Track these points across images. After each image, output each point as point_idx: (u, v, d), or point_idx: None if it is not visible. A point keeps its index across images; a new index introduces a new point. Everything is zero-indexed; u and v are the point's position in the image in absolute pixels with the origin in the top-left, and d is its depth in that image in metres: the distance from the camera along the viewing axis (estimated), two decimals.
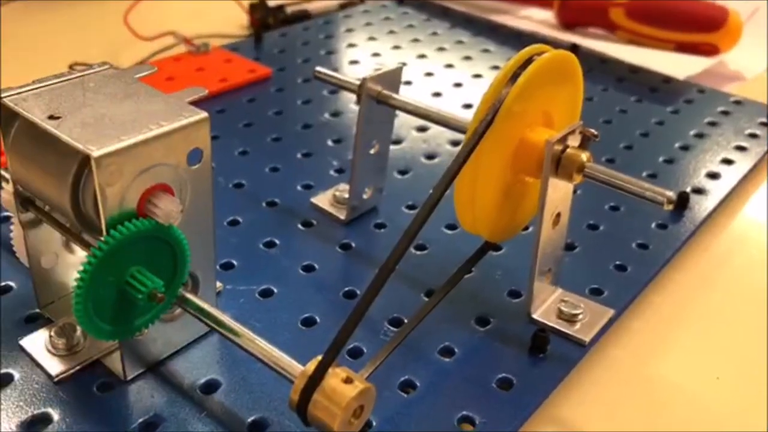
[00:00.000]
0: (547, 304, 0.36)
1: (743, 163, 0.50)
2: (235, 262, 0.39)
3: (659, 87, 0.61)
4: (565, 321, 0.35)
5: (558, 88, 0.34)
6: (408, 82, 0.60)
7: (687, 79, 0.61)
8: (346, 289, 0.37)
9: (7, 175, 0.31)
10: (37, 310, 0.34)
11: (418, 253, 0.40)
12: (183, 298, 0.30)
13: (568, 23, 0.70)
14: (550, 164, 0.32)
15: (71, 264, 0.34)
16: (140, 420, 0.30)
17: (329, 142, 0.51)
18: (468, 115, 0.35)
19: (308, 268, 0.39)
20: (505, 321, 0.36)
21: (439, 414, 0.31)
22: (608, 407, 0.33)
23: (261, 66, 0.60)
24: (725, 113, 0.57)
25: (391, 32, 0.70)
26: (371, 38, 0.69)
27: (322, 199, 0.44)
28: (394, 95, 0.39)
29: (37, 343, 0.33)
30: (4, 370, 0.32)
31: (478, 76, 0.62)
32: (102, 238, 0.27)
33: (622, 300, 0.37)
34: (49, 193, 0.29)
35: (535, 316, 0.36)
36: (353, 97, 0.40)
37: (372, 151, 0.41)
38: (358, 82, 0.39)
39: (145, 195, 0.28)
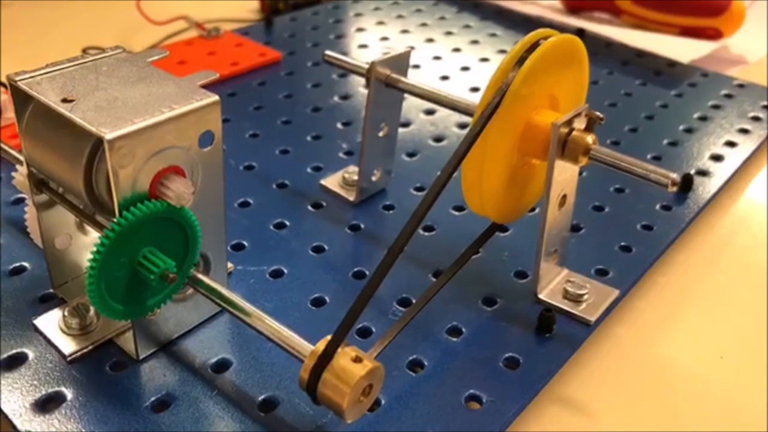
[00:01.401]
0: (554, 284, 0.36)
1: (746, 146, 0.50)
2: (245, 243, 0.39)
3: (664, 71, 0.60)
4: (571, 301, 0.35)
5: (564, 72, 0.34)
6: (416, 66, 0.60)
7: (691, 63, 0.61)
8: (355, 269, 0.37)
9: (21, 158, 0.31)
10: (51, 291, 0.34)
11: (426, 234, 0.40)
12: (194, 279, 0.30)
13: (574, 8, 0.70)
14: (556, 147, 0.32)
15: (84, 245, 0.34)
16: (152, 398, 0.30)
17: (339, 125, 0.51)
18: (475, 99, 0.34)
19: (318, 249, 0.39)
20: (511, 301, 0.36)
21: (446, 392, 0.31)
22: (613, 386, 0.33)
23: (271, 50, 0.60)
24: (728, 96, 0.56)
25: (400, 17, 0.69)
26: (380, 23, 0.68)
27: (332, 181, 0.44)
28: (403, 79, 0.39)
29: (50, 322, 0.32)
30: (18, 350, 0.31)
31: (485, 59, 0.61)
32: (115, 220, 0.26)
33: (627, 280, 0.37)
34: (63, 175, 0.29)
35: (541, 296, 0.35)
36: (362, 80, 0.39)
37: (381, 134, 0.41)
38: (367, 66, 0.39)
39: (157, 177, 0.27)
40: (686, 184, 0.44)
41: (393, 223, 0.41)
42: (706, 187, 0.45)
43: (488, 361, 0.32)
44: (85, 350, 0.31)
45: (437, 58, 0.62)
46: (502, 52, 0.63)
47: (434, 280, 0.36)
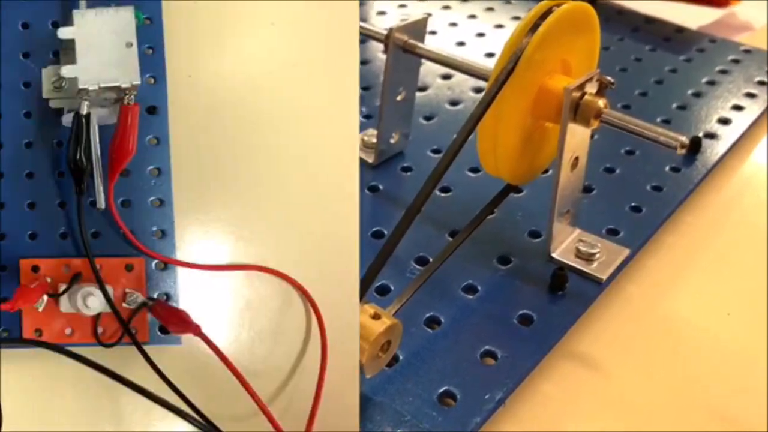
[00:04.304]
0: (566, 243, 0.35)
1: (752, 110, 0.49)
2: None
3: (673, 36, 0.59)
4: (583, 260, 0.35)
5: (576, 38, 0.33)
6: (433, 32, 0.58)
7: (699, 29, 0.59)
8: (374, 229, 0.37)
9: None
10: None
11: (443, 195, 0.40)
12: None
13: None
14: (568, 110, 0.31)
15: None
16: None
17: (358, 90, 0.50)
18: (490, 64, 0.34)
19: None
20: (525, 260, 0.35)
21: (462, 348, 0.30)
22: (624, 342, 0.33)
23: None
24: (735, 62, 0.55)
25: None
26: None
27: None
28: (420, 44, 0.38)
29: None
30: None
31: (500, 26, 0.60)
32: None
33: (637, 240, 0.36)
34: None
35: (554, 255, 0.35)
36: (381, 46, 0.39)
37: (399, 98, 0.40)
38: (385, 32, 0.38)
39: None
40: (694, 146, 0.43)
41: (410, 185, 0.41)
42: (714, 150, 0.44)
43: (503, 318, 0.32)
44: None
45: (453, 24, 0.61)
46: (517, 18, 0.61)
47: (450, 239, 0.36)
